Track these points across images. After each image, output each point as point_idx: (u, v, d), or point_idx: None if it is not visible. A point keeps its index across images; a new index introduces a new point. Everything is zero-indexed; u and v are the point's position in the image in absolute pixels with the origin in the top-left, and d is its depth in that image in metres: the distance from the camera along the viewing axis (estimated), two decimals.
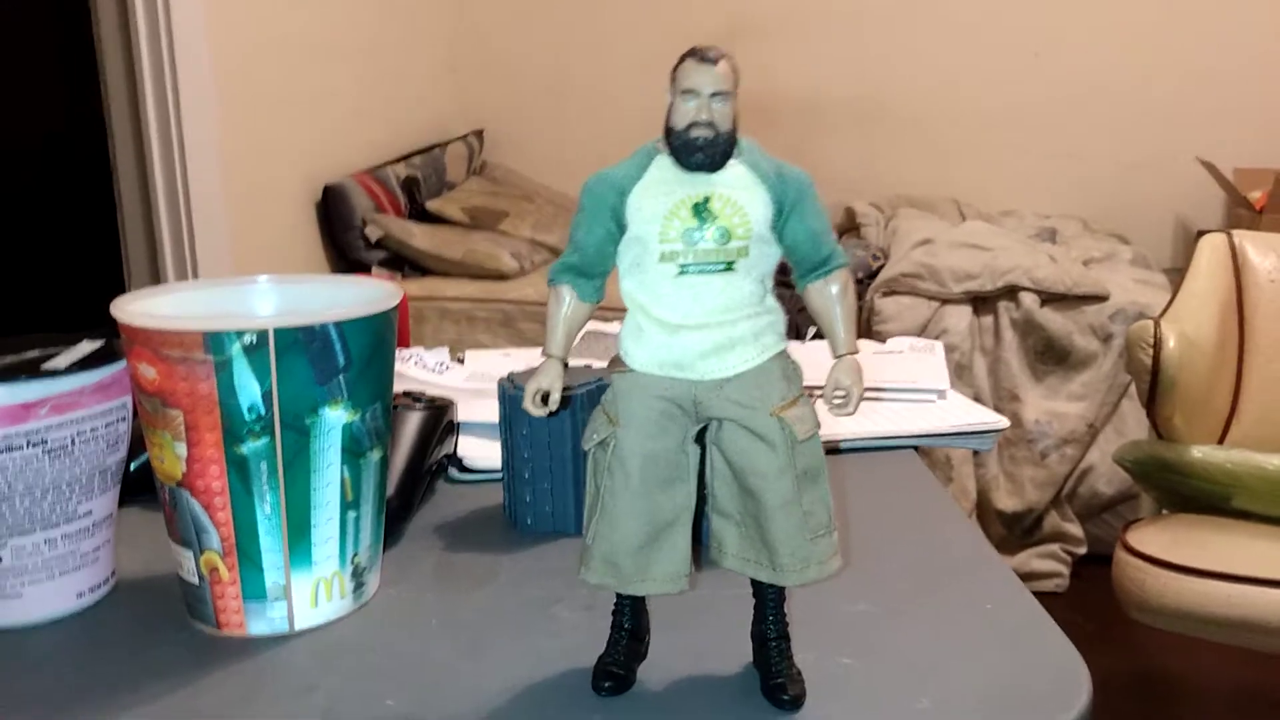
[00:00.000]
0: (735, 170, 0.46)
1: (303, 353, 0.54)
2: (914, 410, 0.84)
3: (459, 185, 3.13)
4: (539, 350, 1.12)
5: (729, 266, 0.46)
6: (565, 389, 0.51)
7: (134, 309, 0.57)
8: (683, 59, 0.46)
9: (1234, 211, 2.86)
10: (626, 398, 0.48)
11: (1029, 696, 0.51)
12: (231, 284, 0.64)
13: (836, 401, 0.47)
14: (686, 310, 0.46)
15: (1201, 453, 1.55)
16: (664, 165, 0.47)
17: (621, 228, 0.47)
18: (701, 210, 0.46)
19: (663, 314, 0.47)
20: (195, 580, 0.58)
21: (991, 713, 0.50)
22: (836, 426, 0.49)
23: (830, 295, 0.48)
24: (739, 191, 0.46)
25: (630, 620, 0.52)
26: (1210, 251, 1.69)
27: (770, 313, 0.48)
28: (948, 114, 3.25)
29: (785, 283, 0.49)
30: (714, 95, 0.45)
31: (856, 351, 0.47)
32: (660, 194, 0.46)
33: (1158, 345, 1.53)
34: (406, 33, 3.18)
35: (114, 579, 0.65)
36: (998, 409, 2.39)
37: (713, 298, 0.46)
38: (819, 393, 0.48)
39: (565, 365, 0.50)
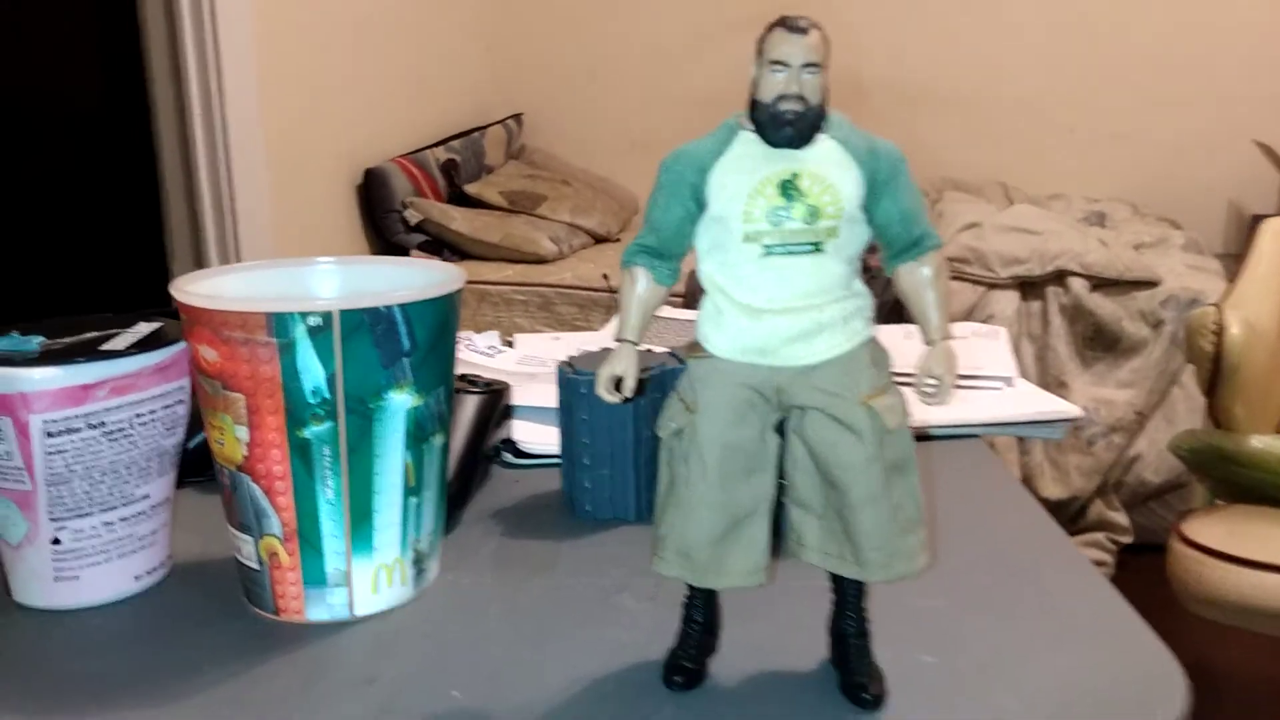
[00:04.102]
0: (825, 146, 0.44)
1: (368, 335, 0.53)
2: (983, 398, 0.82)
3: (498, 169, 3.12)
4: (586, 334, 1.11)
5: (817, 248, 0.44)
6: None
7: (195, 289, 0.56)
8: (771, 28, 0.43)
9: None
10: (705, 384, 0.46)
11: (1123, 700, 0.49)
12: (293, 265, 0.63)
13: (928, 390, 0.45)
14: (771, 294, 0.44)
15: (1261, 443, 1.51)
16: (748, 141, 0.44)
17: (701, 207, 0.45)
18: (789, 188, 0.44)
19: (745, 297, 0.45)
20: (255, 565, 0.57)
21: (1084, 716, 0.48)
22: (913, 404, 0.47)
23: (923, 278, 0.45)
24: (829, 168, 0.44)
25: (702, 613, 0.50)
26: (1272, 237, 1.65)
27: (858, 296, 0.46)
28: (994, 95, 3.20)
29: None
30: (805, 66, 0.43)
31: (950, 338, 0.45)
32: (744, 171, 0.44)
33: (1220, 332, 1.49)
34: (446, 17, 3.17)
35: (170, 562, 0.64)
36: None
37: (799, 280, 0.44)
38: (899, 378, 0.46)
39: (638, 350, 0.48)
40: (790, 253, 0.44)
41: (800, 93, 0.43)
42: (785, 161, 0.44)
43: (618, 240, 2.99)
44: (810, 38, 0.42)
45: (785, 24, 0.43)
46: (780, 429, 0.47)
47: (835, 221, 0.44)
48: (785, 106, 0.43)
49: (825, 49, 0.43)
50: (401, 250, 2.73)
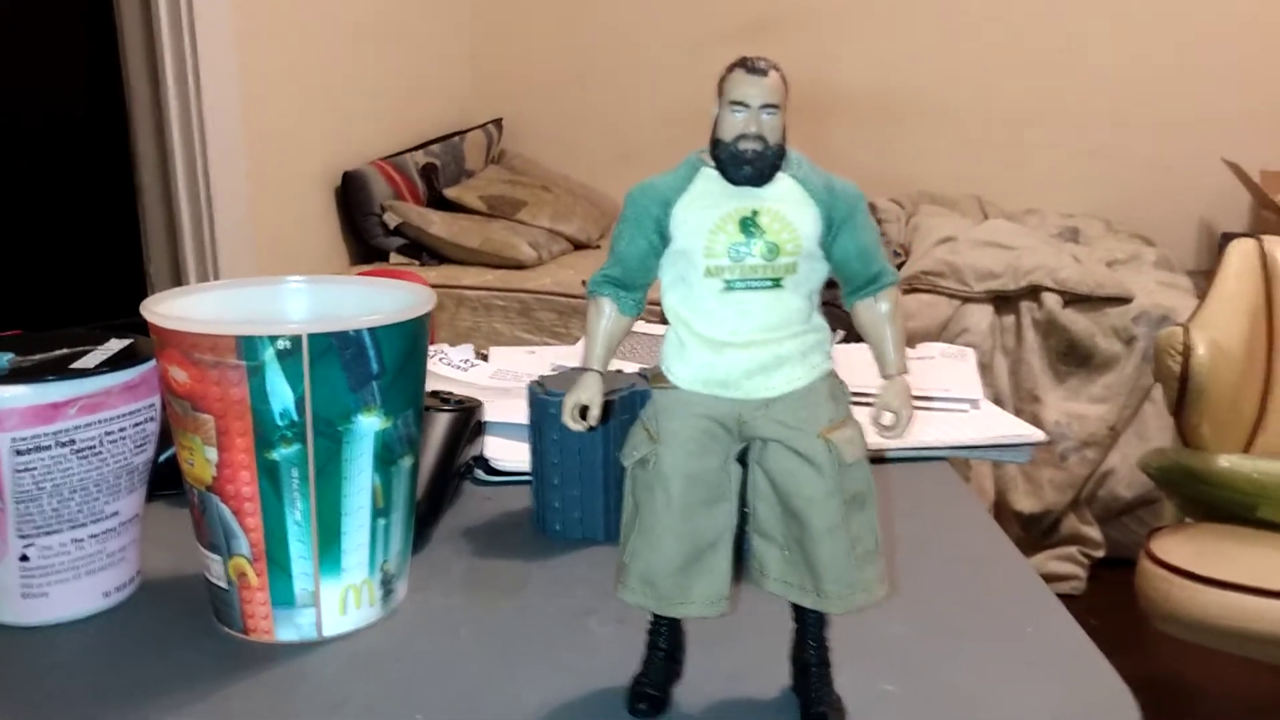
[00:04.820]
0: (784, 184, 0.45)
1: (336, 359, 0.53)
2: (948, 420, 0.83)
3: (478, 173, 3.12)
4: (561, 346, 1.12)
5: (776, 283, 0.45)
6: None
7: (165, 310, 0.56)
8: (731, 69, 0.44)
9: (1260, 214, 2.82)
10: (668, 415, 0.47)
11: None
12: (263, 284, 0.63)
13: (886, 423, 0.46)
14: (733, 327, 0.45)
15: (1229, 462, 1.53)
16: (710, 178, 0.45)
17: (665, 240, 0.46)
18: (749, 225, 0.45)
19: (707, 330, 0.46)
20: (223, 585, 0.58)
21: None
22: (871, 437, 0.48)
23: (880, 314, 0.46)
24: (788, 206, 0.45)
25: (666, 640, 0.51)
26: (1240, 257, 1.67)
27: (817, 330, 0.47)
28: (971, 110, 3.22)
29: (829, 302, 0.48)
30: (763, 107, 0.44)
31: (906, 372, 0.46)
32: (706, 207, 0.45)
33: (1187, 352, 1.51)
34: (427, 20, 3.17)
35: (140, 578, 0.64)
36: (1018, 410, 2.38)
37: (760, 315, 0.45)
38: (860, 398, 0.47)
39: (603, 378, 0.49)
40: (750, 288, 0.45)
41: (759, 132, 0.44)
42: (746, 199, 0.45)
43: (597, 247, 2.99)
44: (769, 79, 0.43)
45: (745, 65, 0.44)
46: (743, 459, 0.48)
47: (794, 258, 0.45)
48: (745, 146, 0.44)
49: (784, 90, 0.44)
50: (380, 254, 2.73)
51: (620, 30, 3.40)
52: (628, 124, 3.38)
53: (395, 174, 2.79)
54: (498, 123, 3.39)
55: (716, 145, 0.45)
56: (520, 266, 2.67)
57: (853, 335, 0.87)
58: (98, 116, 3.11)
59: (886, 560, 0.49)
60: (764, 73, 0.43)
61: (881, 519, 0.48)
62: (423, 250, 2.72)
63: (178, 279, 2.39)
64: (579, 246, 2.95)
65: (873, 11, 3.25)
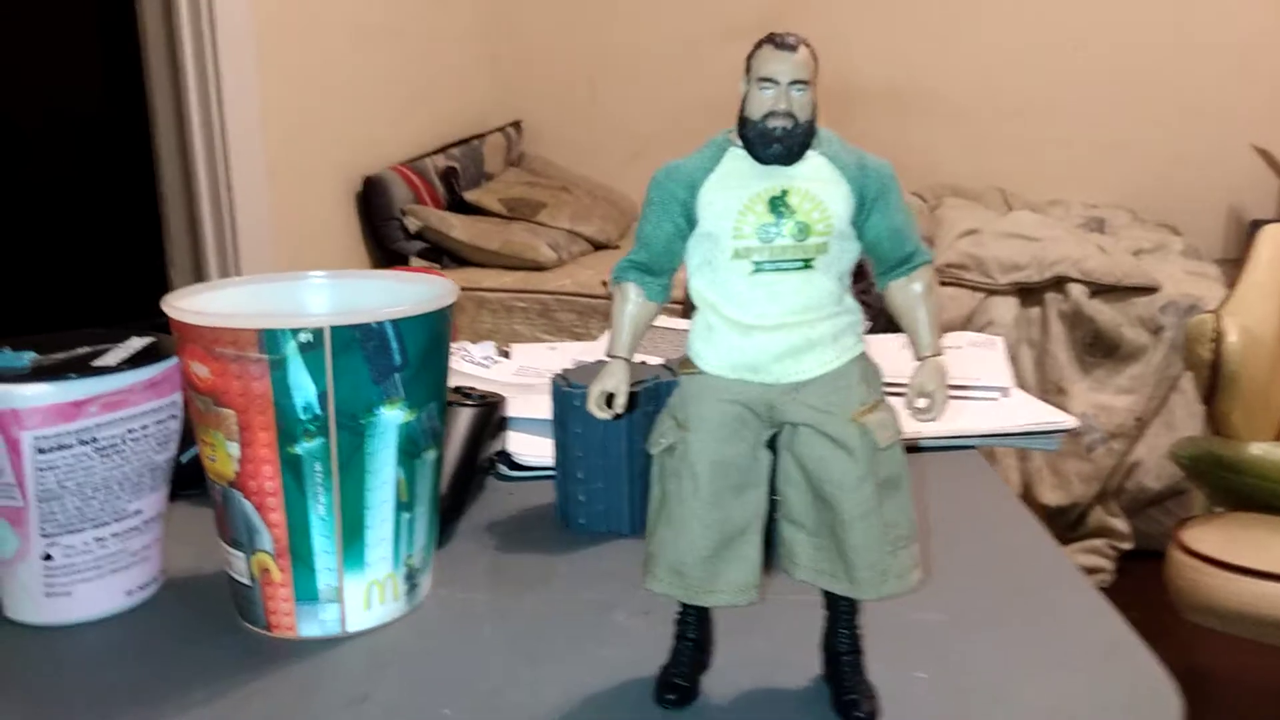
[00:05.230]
0: (814, 162, 0.44)
1: (359, 351, 0.53)
2: (977, 409, 0.81)
3: (497, 176, 3.12)
4: (583, 343, 1.11)
5: (807, 264, 0.44)
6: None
7: (186, 305, 0.56)
8: (759, 45, 0.43)
9: None
10: (696, 401, 0.46)
11: (1115, 718, 0.48)
12: (284, 280, 0.63)
13: (920, 406, 0.45)
14: (761, 310, 0.44)
15: (1260, 450, 1.51)
16: (738, 157, 0.44)
17: (691, 223, 0.45)
18: (779, 205, 0.44)
19: (736, 314, 0.45)
20: (246, 581, 0.57)
21: None
22: (905, 421, 0.47)
23: (913, 294, 0.45)
24: (818, 185, 0.44)
25: (695, 630, 0.50)
26: (1271, 242, 1.65)
27: (849, 312, 0.45)
28: (994, 101, 3.19)
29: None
30: (793, 84, 0.43)
31: (941, 354, 0.45)
32: (734, 188, 0.44)
33: (1219, 339, 1.49)
34: (446, 25, 3.17)
35: (163, 577, 0.64)
36: (1043, 401, 2.35)
37: (789, 297, 0.44)
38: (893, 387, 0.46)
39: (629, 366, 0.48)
40: (780, 269, 0.44)
41: (789, 109, 0.43)
42: (775, 178, 0.44)
43: (617, 247, 2.99)
44: (799, 55, 0.42)
45: (774, 41, 0.43)
46: (772, 445, 0.47)
47: (825, 238, 0.44)
48: (774, 123, 0.43)
49: (814, 66, 0.43)
50: (401, 258, 2.73)
51: (634, 29, 3.39)
52: (644, 122, 3.38)
53: (415, 178, 2.80)
54: (517, 125, 3.39)
55: (744, 124, 0.44)
56: (540, 268, 2.67)
57: (878, 326, 0.85)
58: (119, 118, 3.13)
59: (923, 547, 0.48)
60: (793, 48, 0.42)
61: (914, 507, 0.47)
62: (443, 254, 2.73)
63: (199, 281, 2.40)
64: (598, 247, 2.94)
65: (892, 2, 3.23)
